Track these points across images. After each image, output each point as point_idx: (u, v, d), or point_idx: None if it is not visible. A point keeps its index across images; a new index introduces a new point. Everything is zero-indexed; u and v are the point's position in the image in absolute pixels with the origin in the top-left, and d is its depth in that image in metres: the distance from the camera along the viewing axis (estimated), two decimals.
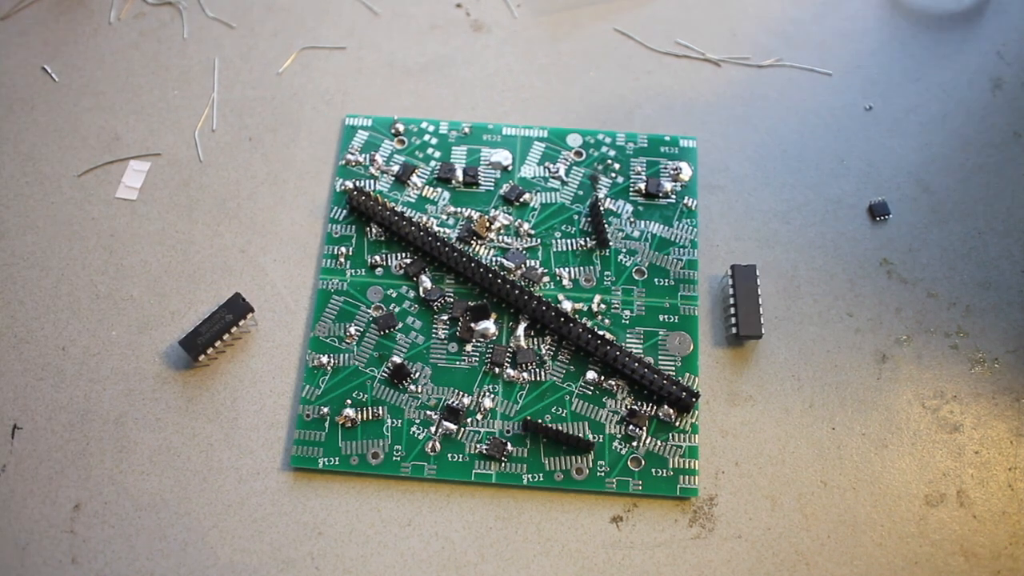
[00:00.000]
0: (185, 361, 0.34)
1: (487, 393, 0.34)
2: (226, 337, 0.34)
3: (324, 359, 0.34)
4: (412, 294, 0.35)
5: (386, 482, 0.33)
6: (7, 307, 0.35)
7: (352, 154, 0.38)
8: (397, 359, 0.34)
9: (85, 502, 0.32)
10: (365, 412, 0.33)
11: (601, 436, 0.33)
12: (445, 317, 0.35)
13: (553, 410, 0.33)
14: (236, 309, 0.34)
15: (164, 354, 0.35)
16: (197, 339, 0.34)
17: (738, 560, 0.31)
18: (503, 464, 0.33)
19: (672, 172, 0.38)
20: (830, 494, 0.32)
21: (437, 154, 0.38)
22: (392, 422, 0.33)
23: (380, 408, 0.33)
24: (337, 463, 0.33)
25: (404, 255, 0.36)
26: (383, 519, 0.32)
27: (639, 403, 0.33)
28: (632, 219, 0.37)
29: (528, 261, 0.36)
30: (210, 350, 0.34)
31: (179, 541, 0.32)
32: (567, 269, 0.36)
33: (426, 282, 0.35)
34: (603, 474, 0.32)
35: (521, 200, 0.37)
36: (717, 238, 0.37)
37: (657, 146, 0.38)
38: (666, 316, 0.35)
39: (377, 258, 0.36)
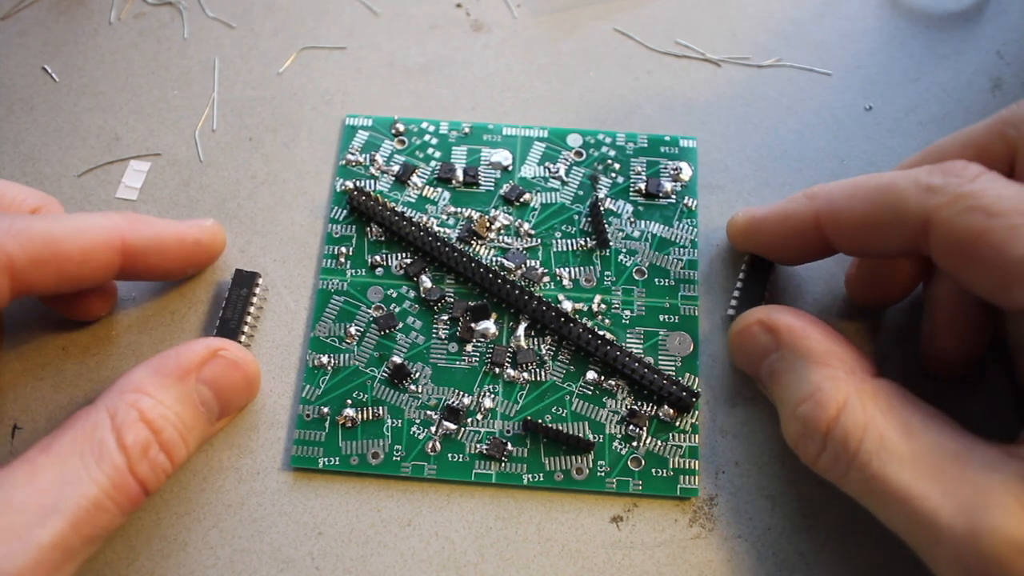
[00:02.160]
0: None
1: (487, 393, 0.34)
2: (252, 310, 0.34)
3: (324, 359, 0.34)
4: (412, 294, 0.35)
5: (386, 482, 0.33)
6: (8, 307, 0.35)
7: (352, 154, 0.38)
8: (397, 359, 0.34)
9: None
10: (365, 412, 0.33)
11: (601, 436, 0.33)
12: (445, 317, 0.35)
13: (553, 410, 0.33)
14: (244, 281, 0.34)
15: None
16: (229, 325, 0.34)
17: (738, 560, 0.31)
18: (503, 464, 0.33)
19: (672, 172, 0.38)
20: (830, 494, 0.32)
21: (437, 154, 0.38)
22: (392, 422, 0.33)
23: (380, 408, 0.33)
24: (337, 463, 0.33)
25: (404, 255, 0.36)
26: (383, 519, 0.32)
27: (639, 403, 0.33)
28: (632, 219, 0.37)
29: (528, 261, 0.36)
30: (246, 328, 0.34)
31: (179, 541, 0.32)
32: (567, 269, 0.36)
33: (426, 282, 0.35)
34: (603, 474, 0.32)
35: (521, 200, 0.37)
36: (717, 238, 0.37)
37: (657, 146, 0.38)
38: (666, 316, 0.35)
39: (377, 258, 0.36)
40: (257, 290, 0.35)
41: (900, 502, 0.26)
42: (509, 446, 0.33)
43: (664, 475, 0.32)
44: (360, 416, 0.33)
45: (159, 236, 0.32)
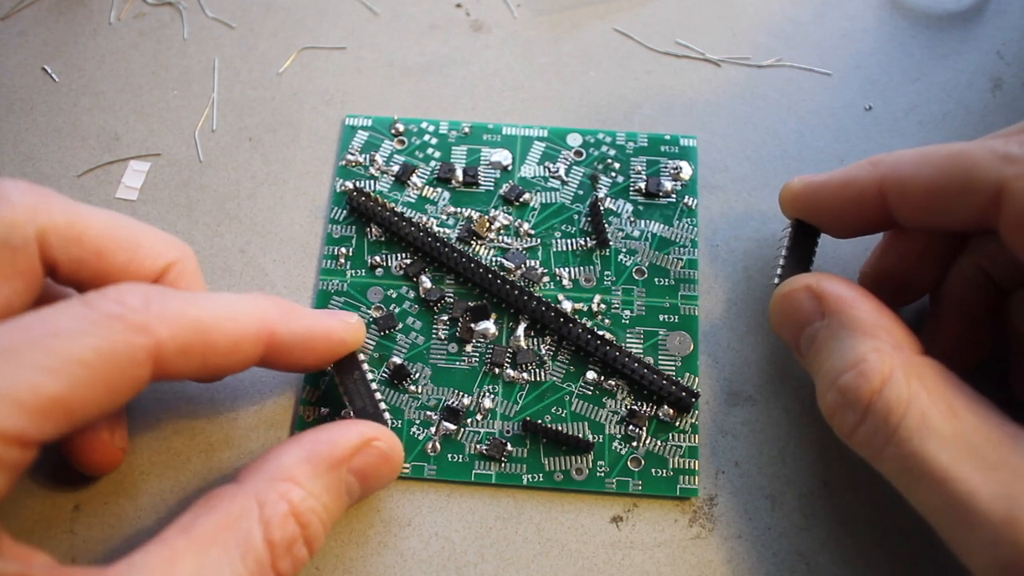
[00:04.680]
0: None
1: (487, 393, 0.34)
2: (375, 386, 0.32)
3: None
4: (412, 294, 0.35)
5: None
6: None
7: (352, 154, 0.38)
8: (397, 359, 0.34)
9: (85, 502, 0.32)
10: None
11: (601, 436, 0.33)
12: (445, 317, 0.35)
13: (553, 410, 0.33)
14: (349, 367, 0.32)
15: None
16: (368, 411, 0.31)
17: (738, 560, 0.31)
18: (503, 464, 0.33)
19: (672, 171, 0.38)
20: (830, 494, 0.32)
21: (437, 154, 0.38)
22: (392, 422, 0.33)
23: None
24: None
25: (404, 255, 0.36)
26: (383, 519, 0.32)
27: (639, 403, 0.33)
28: (632, 219, 0.37)
29: (528, 261, 0.36)
30: (383, 405, 0.32)
31: None
32: (567, 269, 0.36)
33: (426, 282, 0.35)
34: (603, 474, 0.32)
35: (521, 200, 0.37)
36: (717, 238, 0.37)
37: (657, 145, 0.38)
38: (666, 316, 0.35)
39: (377, 258, 0.36)
40: (364, 366, 0.32)
41: (937, 483, 0.25)
42: (509, 446, 0.33)
43: (664, 475, 0.32)
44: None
45: (309, 332, 0.30)
